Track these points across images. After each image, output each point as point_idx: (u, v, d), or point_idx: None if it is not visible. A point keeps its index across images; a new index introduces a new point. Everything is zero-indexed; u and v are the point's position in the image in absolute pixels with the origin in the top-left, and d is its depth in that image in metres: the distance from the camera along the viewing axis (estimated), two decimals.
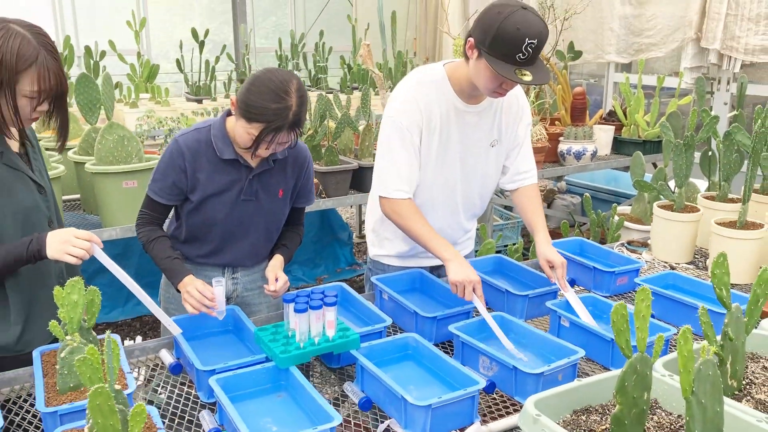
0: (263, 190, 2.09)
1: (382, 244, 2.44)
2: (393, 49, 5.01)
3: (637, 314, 1.17)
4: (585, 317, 1.99)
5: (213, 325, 1.98)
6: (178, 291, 1.99)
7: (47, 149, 3.24)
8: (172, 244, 2.11)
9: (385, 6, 5.03)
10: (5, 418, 1.59)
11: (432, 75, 2.15)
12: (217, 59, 6.37)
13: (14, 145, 1.84)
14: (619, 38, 6.35)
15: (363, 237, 6.11)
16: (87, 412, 1.32)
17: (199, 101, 5.83)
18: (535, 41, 1.88)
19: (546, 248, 2.18)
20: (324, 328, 1.77)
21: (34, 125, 1.94)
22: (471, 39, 1.98)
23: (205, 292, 1.92)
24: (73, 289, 1.56)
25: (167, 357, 1.86)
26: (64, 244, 1.72)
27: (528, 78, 1.91)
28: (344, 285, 2.16)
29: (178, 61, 6.30)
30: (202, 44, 6.26)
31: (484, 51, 1.94)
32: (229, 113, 2.04)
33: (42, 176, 1.92)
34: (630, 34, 6.28)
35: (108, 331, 1.34)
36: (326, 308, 1.76)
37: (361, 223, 6.23)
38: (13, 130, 1.81)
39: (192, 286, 1.94)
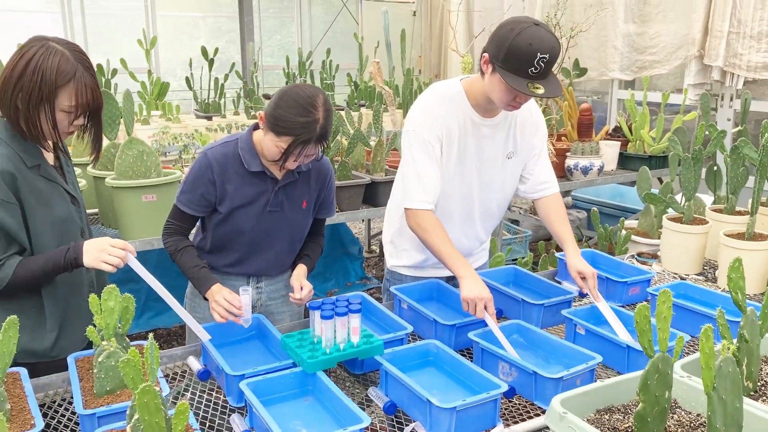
0: (288, 202, 2.16)
1: (400, 255, 2.50)
2: (402, 67, 5.10)
3: (659, 315, 1.23)
4: (617, 326, 2.03)
5: (239, 332, 2.04)
6: (206, 299, 2.05)
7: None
8: (198, 253, 2.17)
9: (391, 25, 5.14)
10: None
11: (450, 90, 2.22)
12: (227, 77, 6.46)
13: (50, 158, 1.92)
14: (622, 56, 6.45)
15: (372, 252, 6.17)
16: (130, 410, 1.38)
17: (209, 118, 5.92)
18: (546, 56, 1.96)
19: (576, 260, 2.25)
20: (349, 334, 1.83)
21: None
22: (486, 54, 2.06)
23: (233, 300, 1.98)
24: (109, 296, 1.63)
25: (195, 364, 1.92)
26: (101, 252, 1.78)
27: (540, 91, 1.99)
28: (365, 294, 2.22)
29: (187, 78, 6.39)
30: (211, 62, 6.35)
31: (498, 66, 2.02)
32: (255, 127, 2.11)
33: (75, 188, 1.99)
34: (633, 52, 6.38)
35: (151, 335, 1.40)
36: (351, 315, 1.82)
37: (371, 238, 6.28)
38: (49, 143, 1.88)
39: (219, 295, 2.01)
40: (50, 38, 1.80)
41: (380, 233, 6.30)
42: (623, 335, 1.99)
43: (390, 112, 4.74)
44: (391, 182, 3.49)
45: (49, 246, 1.84)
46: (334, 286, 5.17)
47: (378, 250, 6.12)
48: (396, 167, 3.71)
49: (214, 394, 1.82)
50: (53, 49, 1.76)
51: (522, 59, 1.96)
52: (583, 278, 2.21)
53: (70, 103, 1.78)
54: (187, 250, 2.13)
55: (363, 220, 6.28)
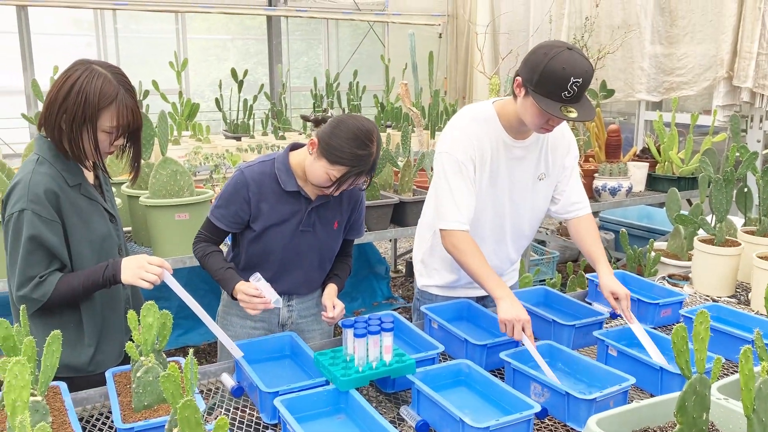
0: (320, 222, 2.20)
1: (431, 275, 2.51)
2: (430, 89, 5.15)
3: (696, 336, 1.23)
4: (651, 349, 2.02)
5: (271, 349, 2.06)
6: (234, 298, 2.11)
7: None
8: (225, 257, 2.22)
9: (417, 47, 5.20)
10: None
11: (482, 112, 2.25)
12: (255, 98, 6.56)
13: (90, 177, 1.97)
14: (649, 77, 6.44)
15: (398, 272, 6.18)
16: (168, 425, 1.40)
17: (238, 138, 6.00)
18: (580, 80, 1.98)
19: (609, 280, 2.24)
20: (381, 353, 1.84)
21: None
22: (518, 78, 2.08)
23: (249, 291, 2.04)
24: (148, 312, 1.66)
25: (228, 380, 1.94)
26: (139, 269, 1.82)
27: (573, 114, 2.00)
28: (396, 313, 2.23)
29: (217, 100, 6.50)
30: (240, 84, 6.46)
31: (531, 89, 2.03)
32: (292, 148, 2.16)
33: (113, 206, 2.05)
34: (660, 73, 6.37)
35: (191, 350, 1.42)
36: (384, 333, 1.83)
37: (397, 257, 6.29)
38: (90, 163, 1.93)
39: (241, 293, 2.07)
40: (93, 61, 1.86)
41: (406, 253, 6.31)
42: (657, 358, 1.98)
43: (417, 133, 4.78)
44: (418, 202, 3.52)
45: (89, 262, 1.89)
46: (360, 305, 5.18)
47: (404, 270, 6.12)
48: (423, 187, 3.76)
49: (247, 411, 1.84)
50: (96, 72, 1.82)
51: (555, 83, 1.98)
52: (616, 299, 2.20)
53: (112, 123, 1.83)
54: (213, 255, 2.19)
55: (390, 240, 6.30)
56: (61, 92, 1.80)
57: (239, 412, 1.83)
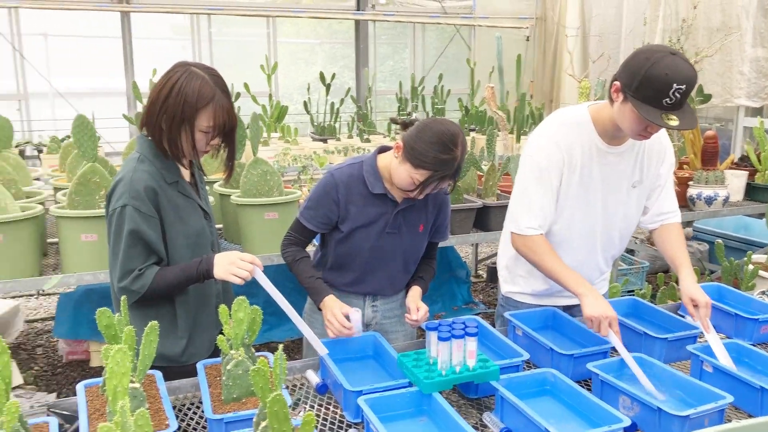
0: (406, 225, 2.22)
1: (516, 282, 2.47)
2: (516, 92, 5.09)
3: None
4: (725, 361, 1.95)
5: (355, 349, 2.08)
6: (320, 309, 2.15)
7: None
8: (318, 269, 2.25)
9: (503, 50, 5.13)
10: None
11: (575, 116, 2.20)
12: (342, 101, 6.66)
13: (186, 175, 2.05)
14: (750, 82, 6.15)
15: (479, 277, 6.12)
16: (257, 418, 1.44)
17: (324, 141, 6.10)
18: (683, 87, 1.90)
19: (691, 286, 2.16)
20: (465, 357, 1.83)
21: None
22: (617, 83, 2.02)
23: (344, 322, 2.07)
24: (239, 307, 1.71)
25: (313, 377, 1.97)
26: (231, 265, 1.88)
27: (675, 123, 1.93)
28: (479, 318, 2.21)
29: (305, 102, 6.64)
30: (328, 87, 6.57)
31: (630, 95, 1.97)
32: (380, 151, 2.19)
33: (207, 203, 2.12)
34: (762, 78, 6.07)
35: (281, 345, 1.46)
36: (468, 338, 1.81)
37: (478, 262, 6.24)
38: (186, 161, 2.01)
39: (331, 313, 2.10)
40: (192, 63, 1.94)
41: (487, 258, 6.25)
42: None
43: (502, 137, 4.72)
44: (502, 207, 3.47)
45: (184, 257, 1.96)
46: (440, 309, 5.16)
47: (485, 275, 6.06)
48: (508, 192, 3.70)
49: (330, 408, 1.86)
50: (195, 74, 1.89)
51: (657, 89, 1.91)
52: (696, 306, 2.12)
53: (209, 123, 1.90)
54: (303, 261, 2.24)
55: (471, 244, 6.25)
56: (162, 93, 1.88)
57: (323, 409, 1.85)
